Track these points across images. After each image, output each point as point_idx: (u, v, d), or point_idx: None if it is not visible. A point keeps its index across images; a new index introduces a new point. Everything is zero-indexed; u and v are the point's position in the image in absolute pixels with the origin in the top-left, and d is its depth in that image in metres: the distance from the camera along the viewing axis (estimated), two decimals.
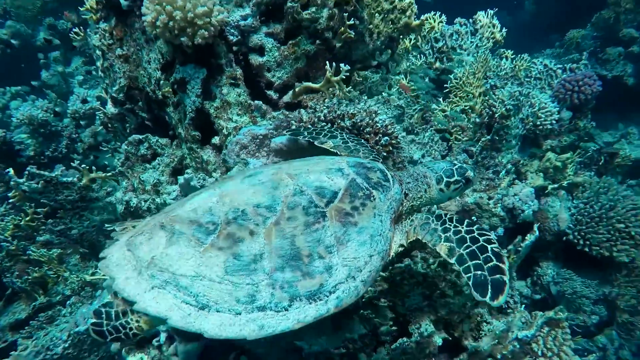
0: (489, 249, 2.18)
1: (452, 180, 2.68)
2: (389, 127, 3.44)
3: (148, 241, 2.10)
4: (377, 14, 3.55)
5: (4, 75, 10.30)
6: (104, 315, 2.07)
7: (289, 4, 3.31)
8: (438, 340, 3.41)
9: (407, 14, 3.67)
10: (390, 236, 2.34)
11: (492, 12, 5.80)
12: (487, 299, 2.01)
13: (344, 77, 3.32)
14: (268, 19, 3.50)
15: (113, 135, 4.65)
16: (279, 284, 1.98)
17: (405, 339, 3.29)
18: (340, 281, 2.07)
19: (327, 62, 3.40)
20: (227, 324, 1.91)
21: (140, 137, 3.85)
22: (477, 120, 4.79)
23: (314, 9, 3.35)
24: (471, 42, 5.76)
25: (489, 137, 4.73)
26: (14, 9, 10.27)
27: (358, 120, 3.16)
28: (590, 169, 5.51)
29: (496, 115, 4.60)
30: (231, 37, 3.31)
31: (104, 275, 4.40)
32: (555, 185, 5.06)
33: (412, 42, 5.76)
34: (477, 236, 2.26)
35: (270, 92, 3.55)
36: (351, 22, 3.29)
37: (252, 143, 3.20)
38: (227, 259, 1.98)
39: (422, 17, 4.03)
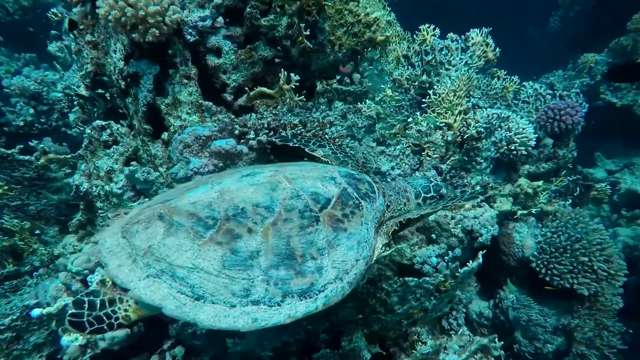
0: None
1: (428, 196, 3.02)
2: (337, 139, 3.45)
3: (145, 230, 2.14)
4: (340, 27, 3.53)
5: (22, 43, 10.70)
6: (86, 305, 2.02)
7: (248, 10, 3.33)
8: (366, 355, 3.45)
9: (372, 28, 3.63)
10: (373, 243, 2.49)
11: (486, 30, 5.66)
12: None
13: (294, 86, 3.33)
14: (231, 21, 3.52)
15: (88, 116, 4.76)
16: (273, 281, 2.08)
17: (328, 350, 3.34)
18: (329, 281, 2.18)
19: (283, 69, 3.41)
20: (222, 315, 1.98)
21: (103, 123, 3.92)
22: (449, 138, 4.73)
23: (272, 17, 3.36)
24: (460, 58, 5.65)
25: (457, 156, 4.70)
26: None
27: (298, 132, 3.18)
28: (565, 199, 5.38)
29: (466, 136, 4.57)
30: (189, 37, 3.34)
31: (61, 252, 4.54)
32: (525, 212, 4.99)
33: (404, 52, 5.69)
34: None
35: (225, 94, 3.57)
36: (308, 32, 3.28)
37: (196, 143, 3.25)
38: (225, 254, 2.07)
39: (387, 34, 3.96)
